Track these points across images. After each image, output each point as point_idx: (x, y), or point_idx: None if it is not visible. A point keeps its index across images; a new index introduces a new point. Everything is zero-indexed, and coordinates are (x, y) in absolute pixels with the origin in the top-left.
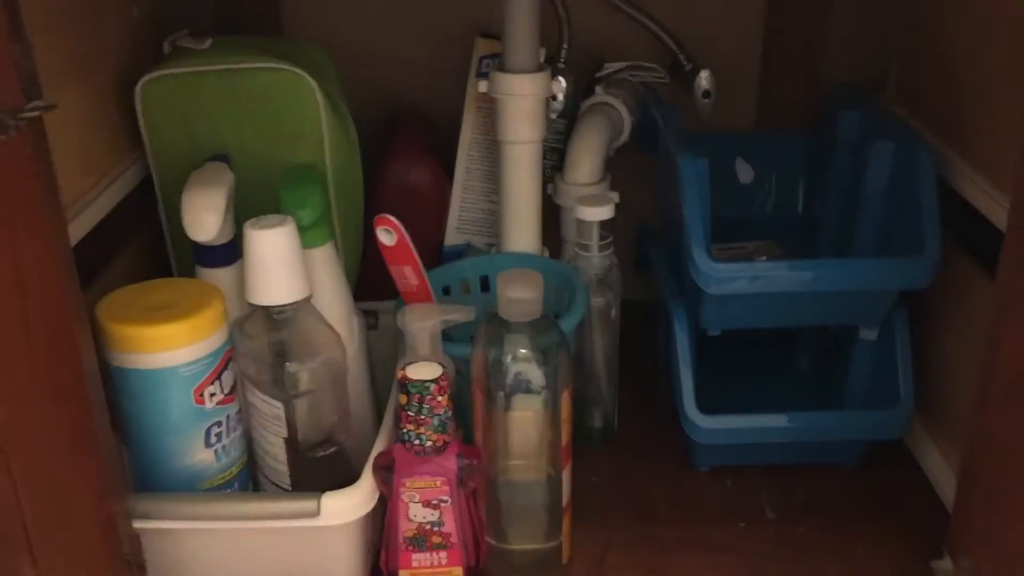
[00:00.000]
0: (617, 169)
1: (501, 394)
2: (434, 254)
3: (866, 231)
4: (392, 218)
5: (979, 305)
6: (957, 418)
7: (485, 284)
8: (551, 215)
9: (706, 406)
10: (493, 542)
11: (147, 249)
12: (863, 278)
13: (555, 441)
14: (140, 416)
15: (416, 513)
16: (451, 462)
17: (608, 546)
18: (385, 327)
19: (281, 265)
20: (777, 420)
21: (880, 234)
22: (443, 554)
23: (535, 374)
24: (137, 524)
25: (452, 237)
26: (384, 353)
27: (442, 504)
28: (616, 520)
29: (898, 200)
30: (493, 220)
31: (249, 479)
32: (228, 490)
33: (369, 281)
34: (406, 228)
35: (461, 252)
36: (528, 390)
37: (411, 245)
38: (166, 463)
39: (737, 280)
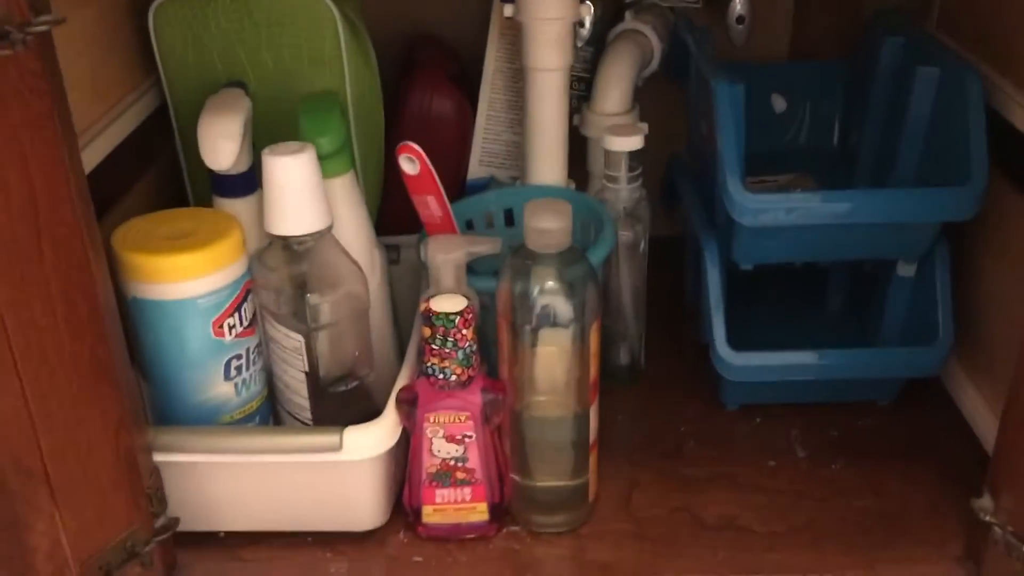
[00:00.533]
0: (646, 99)
1: (528, 328)
2: (456, 188)
3: (906, 162)
4: (415, 146)
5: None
6: (996, 355)
7: (510, 218)
8: (578, 147)
9: (736, 344)
10: (518, 479)
11: (163, 179)
12: (905, 209)
13: (583, 376)
14: (158, 349)
15: (440, 448)
16: (476, 396)
17: (635, 484)
18: (407, 262)
19: (301, 194)
20: (810, 357)
21: (921, 165)
22: (467, 490)
23: (563, 307)
24: (157, 457)
25: (475, 170)
26: (406, 289)
27: (466, 439)
28: (642, 458)
29: (942, 128)
30: (518, 152)
31: (270, 413)
32: (248, 424)
33: (390, 215)
34: (431, 159)
35: (484, 186)
36: (555, 323)
37: (434, 174)
38: (185, 397)
39: (772, 212)
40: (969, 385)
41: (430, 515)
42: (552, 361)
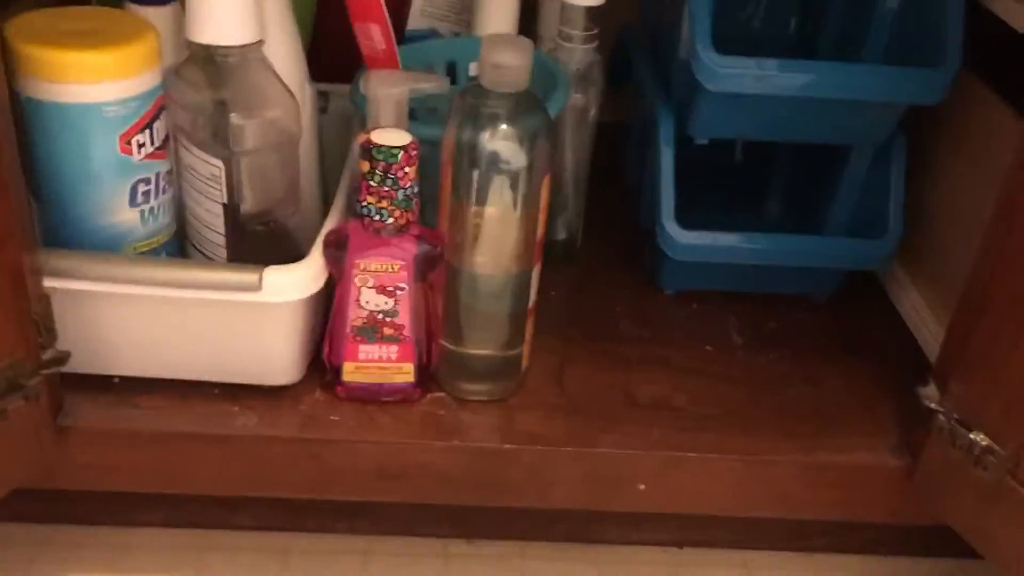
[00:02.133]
0: None
1: (475, 173)
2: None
3: (872, 53)
4: None
5: (989, 138)
6: (943, 253)
7: (452, 74)
8: (526, 6)
9: (685, 221)
10: (448, 345)
11: None
12: (877, 85)
13: (528, 234)
14: (55, 160)
15: (368, 300)
16: (412, 245)
17: (567, 358)
18: (336, 112)
19: None
20: (758, 241)
21: (886, 58)
22: (394, 348)
23: (515, 154)
24: (49, 283)
25: (416, 20)
26: (334, 141)
27: (398, 292)
28: (576, 335)
29: (912, 15)
30: (463, 5)
31: (178, 251)
32: None
33: (323, 63)
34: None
35: (425, 39)
36: (506, 171)
37: None
38: (84, 219)
39: (743, 77)
40: (910, 285)
41: (351, 373)
42: (499, 214)
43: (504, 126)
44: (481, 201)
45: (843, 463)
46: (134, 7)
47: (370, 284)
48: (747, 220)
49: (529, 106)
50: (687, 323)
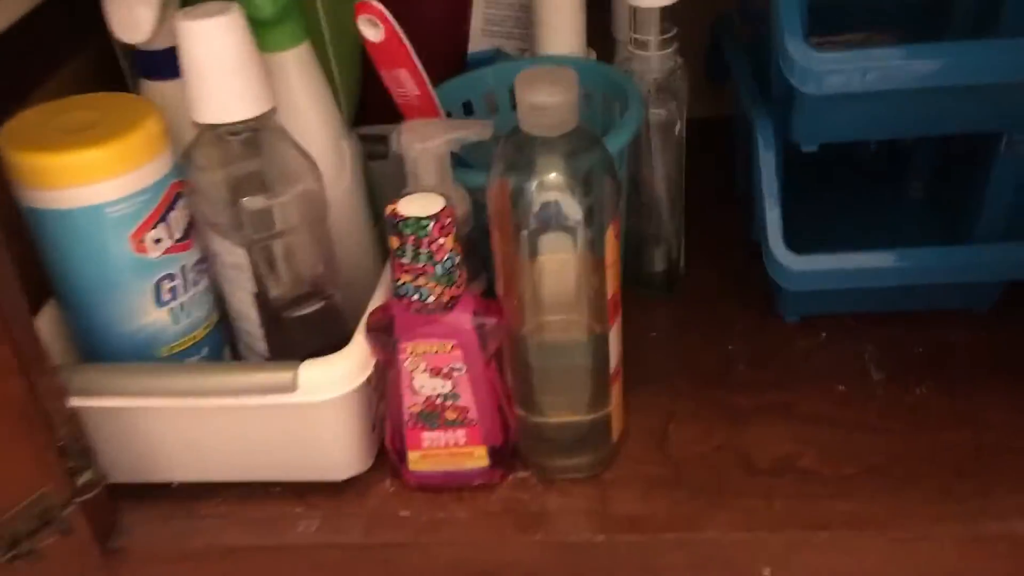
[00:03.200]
0: None
1: (525, 233)
2: (458, 64)
3: (1019, 11)
4: (376, 3)
5: None
6: None
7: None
8: (600, 8)
9: (796, 244)
10: (524, 414)
11: (99, 63)
12: (1019, 65)
13: (599, 290)
14: (69, 268)
15: (423, 384)
16: (464, 321)
17: (671, 417)
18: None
19: (226, 68)
20: (887, 259)
21: None
22: (460, 432)
23: (569, 205)
24: (76, 402)
25: (477, 41)
26: (398, 188)
27: (455, 373)
28: (681, 385)
29: None
30: (527, 18)
31: (224, 343)
32: (195, 356)
33: (380, 101)
34: (419, 30)
35: (490, 60)
36: (561, 226)
37: (404, 39)
38: (111, 325)
39: (843, 74)
40: None
41: (418, 462)
42: (559, 272)
43: (553, 175)
44: (536, 260)
45: (1016, 533)
46: (147, 83)
47: (423, 368)
48: (882, 221)
49: (582, 146)
50: (813, 358)
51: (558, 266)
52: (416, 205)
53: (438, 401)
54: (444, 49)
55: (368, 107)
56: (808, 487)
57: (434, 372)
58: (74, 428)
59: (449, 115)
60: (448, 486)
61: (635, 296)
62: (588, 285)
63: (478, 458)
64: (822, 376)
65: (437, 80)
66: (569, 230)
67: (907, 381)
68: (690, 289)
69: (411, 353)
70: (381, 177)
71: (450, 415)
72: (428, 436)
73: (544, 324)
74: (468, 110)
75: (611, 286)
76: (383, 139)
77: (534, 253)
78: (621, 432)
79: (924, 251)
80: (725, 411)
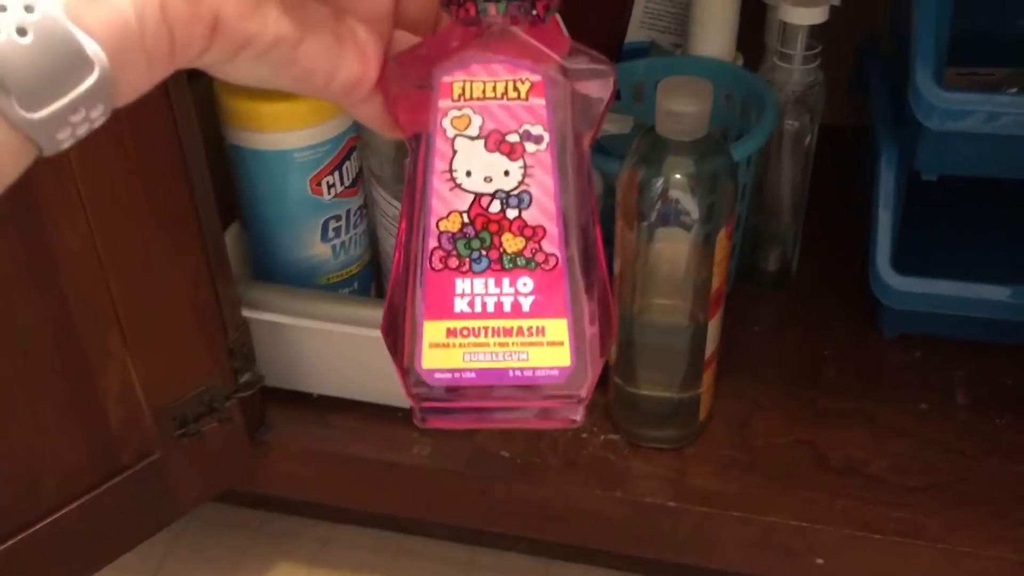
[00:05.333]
0: None
1: (645, 224)
2: (613, 51)
3: None
4: None
5: None
6: None
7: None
8: (756, 14)
9: (908, 263)
10: (621, 383)
11: None
12: None
13: (705, 283)
14: (255, 201)
15: (473, 167)
16: (559, 45)
17: (757, 406)
18: None
19: None
20: (996, 292)
21: None
22: (527, 280)
23: (689, 204)
24: (247, 313)
25: (635, 32)
26: None
27: (530, 149)
28: (772, 379)
29: None
30: (684, 16)
31: (372, 280)
32: (346, 289)
33: None
34: (581, 17)
35: (644, 51)
36: (679, 222)
37: (564, 31)
38: (282, 253)
39: (969, 116)
40: None
41: (435, 354)
42: (670, 262)
43: (678, 175)
44: (652, 247)
45: None
46: None
47: (474, 131)
48: (1004, 251)
49: (709, 152)
50: (904, 374)
51: (671, 256)
52: None
53: (494, 209)
54: (603, 39)
55: None
56: (872, 492)
57: (494, 142)
58: (243, 335)
59: None
60: (492, 417)
61: (747, 290)
62: (696, 277)
63: (554, 351)
64: (908, 392)
65: None
66: (686, 226)
67: (989, 410)
68: (799, 290)
69: (457, 97)
70: None
71: (512, 243)
72: (465, 286)
73: (651, 306)
74: (617, 97)
75: (717, 281)
76: None
77: (651, 241)
78: (708, 413)
79: (1020, 289)
80: (809, 409)
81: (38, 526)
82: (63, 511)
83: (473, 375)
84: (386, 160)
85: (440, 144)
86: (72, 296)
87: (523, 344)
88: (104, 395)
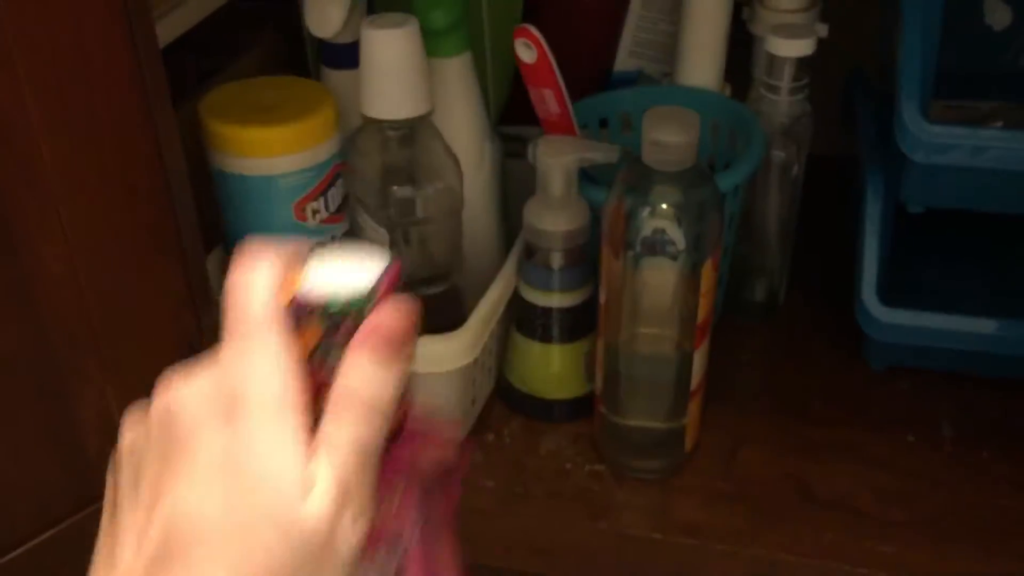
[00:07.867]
0: None
1: (631, 252)
2: (601, 79)
3: None
4: (534, 30)
5: None
6: None
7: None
8: (743, 46)
9: (896, 296)
10: (606, 412)
11: (284, 45)
12: None
13: (691, 314)
14: (240, 226)
15: None
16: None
17: (743, 438)
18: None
19: (397, 73)
20: (982, 325)
21: None
22: None
23: (674, 235)
24: None
25: (623, 61)
26: (532, 184)
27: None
28: (758, 411)
29: None
30: (672, 45)
31: None
32: None
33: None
34: (570, 45)
35: (633, 80)
36: (665, 252)
37: (553, 64)
38: None
39: (955, 150)
40: None
41: None
42: (656, 292)
43: (664, 206)
44: (638, 277)
45: None
46: (328, 71)
47: None
48: (987, 283)
49: (694, 183)
50: (890, 406)
51: (657, 285)
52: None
53: None
54: (591, 67)
55: (513, 105)
56: (858, 526)
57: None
58: None
59: (585, 127)
60: None
61: (733, 321)
62: (682, 307)
63: None
64: (895, 424)
65: (580, 94)
66: (672, 256)
67: (976, 443)
68: (786, 321)
69: None
70: (519, 174)
71: None
72: None
73: (637, 335)
74: (604, 125)
75: (703, 311)
76: (522, 140)
77: (637, 271)
78: (694, 444)
79: (1007, 323)
80: (795, 441)
81: (13, 554)
82: (39, 539)
83: None
84: (373, 188)
85: None
86: (50, 321)
87: None
88: (81, 422)
